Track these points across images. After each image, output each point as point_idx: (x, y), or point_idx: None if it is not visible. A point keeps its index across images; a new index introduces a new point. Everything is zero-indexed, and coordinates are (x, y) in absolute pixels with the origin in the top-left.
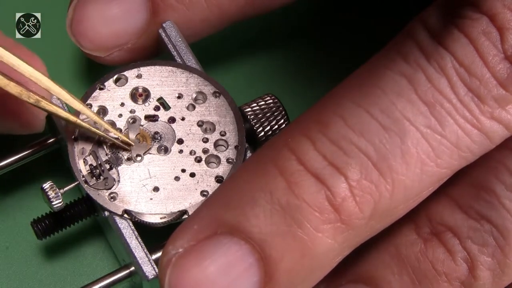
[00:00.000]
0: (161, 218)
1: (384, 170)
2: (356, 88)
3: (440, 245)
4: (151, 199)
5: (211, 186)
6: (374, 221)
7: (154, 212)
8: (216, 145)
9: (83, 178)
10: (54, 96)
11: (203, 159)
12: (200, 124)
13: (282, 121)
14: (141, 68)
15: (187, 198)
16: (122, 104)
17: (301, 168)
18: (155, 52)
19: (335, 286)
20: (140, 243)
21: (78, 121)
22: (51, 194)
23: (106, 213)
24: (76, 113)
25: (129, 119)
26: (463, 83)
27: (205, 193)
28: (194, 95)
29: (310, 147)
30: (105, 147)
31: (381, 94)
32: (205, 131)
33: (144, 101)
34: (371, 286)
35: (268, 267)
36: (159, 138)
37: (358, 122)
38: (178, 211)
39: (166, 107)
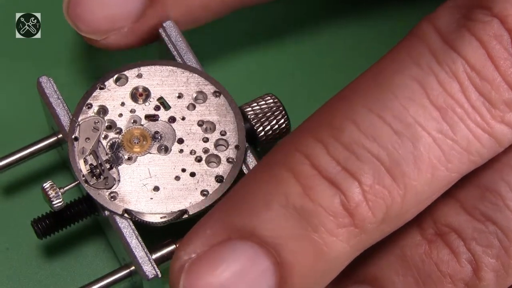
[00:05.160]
0: (161, 218)
1: (396, 175)
2: (367, 91)
3: (445, 246)
4: (151, 198)
5: (211, 185)
6: (385, 225)
7: (154, 212)
8: (216, 144)
9: (83, 178)
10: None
11: (203, 158)
12: (200, 123)
13: (282, 121)
14: (142, 68)
15: (187, 198)
16: (123, 104)
17: (315, 173)
18: (153, 38)
19: (341, 287)
20: (140, 243)
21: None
22: (52, 193)
23: (106, 213)
24: (76, 114)
25: (130, 119)
26: (475, 87)
27: (205, 192)
28: (195, 95)
29: (323, 152)
30: (105, 146)
31: (393, 98)
32: (205, 130)
33: (145, 100)
34: (376, 287)
35: (283, 271)
36: (159, 137)
37: (370, 127)
38: (179, 211)
39: (167, 106)
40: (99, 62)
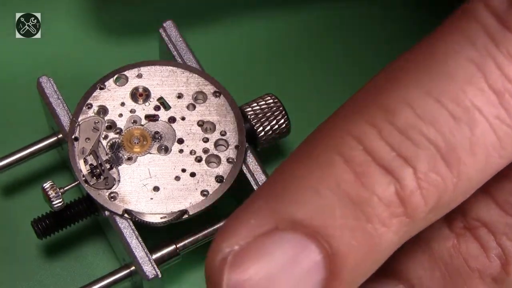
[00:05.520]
0: (161, 218)
1: (452, 162)
2: (421, 73)
3: (474, 241)
4: (151, 198)
5: (211, 186)
6: (432, 214)
7: (155, 212)
8: (216, 144)
9: (84, 178)
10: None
11: (204, 158)
12: (200, 123)
13: (282, 121)
14: (142, 68)
15: (188, 198)
16: (123, 104)
17: (369, 159)
18: None
19: (365, 281)
20: (140, 243)
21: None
22: (52, 193)
23: (107, 213)
24: (76, 114)
25: (130, 119)
26: None
27: (205, 192)
28: (195, 95)
29: (377, 136)
30: (105, 146)
31: (450, 81)
32: (205, 130)
33: (145, 100)
34: (401, 281)
35: (333, 264)
36: (159, 137)
37: (428, 111)
38: (179, 211)
39: (167, 106)
40: (99, 62)
